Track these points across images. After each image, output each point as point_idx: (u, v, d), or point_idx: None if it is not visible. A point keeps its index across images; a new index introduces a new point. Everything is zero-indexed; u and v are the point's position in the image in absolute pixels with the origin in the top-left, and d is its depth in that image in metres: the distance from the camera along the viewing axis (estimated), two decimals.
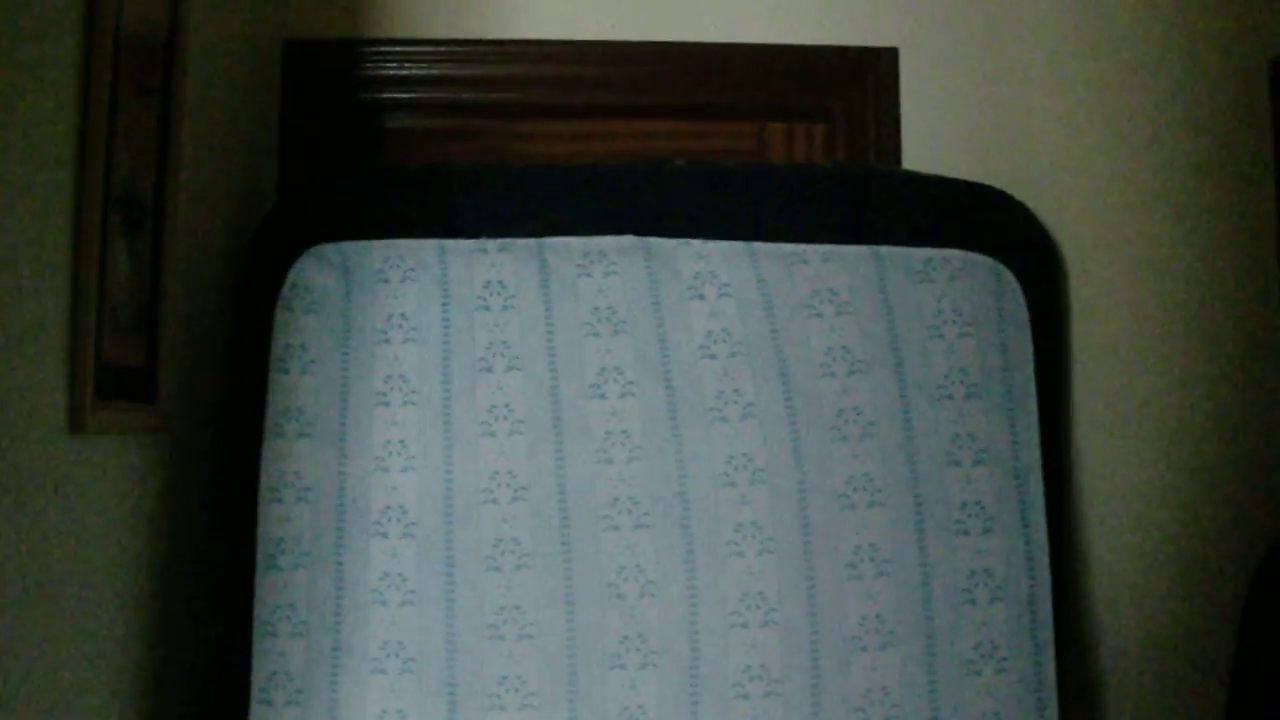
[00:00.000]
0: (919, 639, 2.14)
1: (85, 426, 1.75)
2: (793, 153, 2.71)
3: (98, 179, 1.78)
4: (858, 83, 2.64)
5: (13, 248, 1.56)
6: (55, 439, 1.69)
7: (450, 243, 2.29)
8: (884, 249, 2.30)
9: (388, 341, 2.24)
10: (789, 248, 2.29)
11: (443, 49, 2.63)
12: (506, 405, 2.22)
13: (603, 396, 2.23)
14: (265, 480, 2.18)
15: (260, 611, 2.14)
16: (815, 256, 2.29)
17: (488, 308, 2.26)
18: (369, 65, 2.62)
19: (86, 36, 1.76)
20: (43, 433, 1.65)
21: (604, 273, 2.28)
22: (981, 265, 2.28)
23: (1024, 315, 2.27)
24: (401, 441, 2.20)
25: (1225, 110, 1.89)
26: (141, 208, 1.96)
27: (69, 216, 1.73)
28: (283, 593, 2.14)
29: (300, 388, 2.20)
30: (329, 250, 2.27)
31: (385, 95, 2.64)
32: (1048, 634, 2.15)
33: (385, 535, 2.17)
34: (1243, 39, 1.89)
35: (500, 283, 2.27)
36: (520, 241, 2.30)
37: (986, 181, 2.43)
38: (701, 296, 2.26)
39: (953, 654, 2.14)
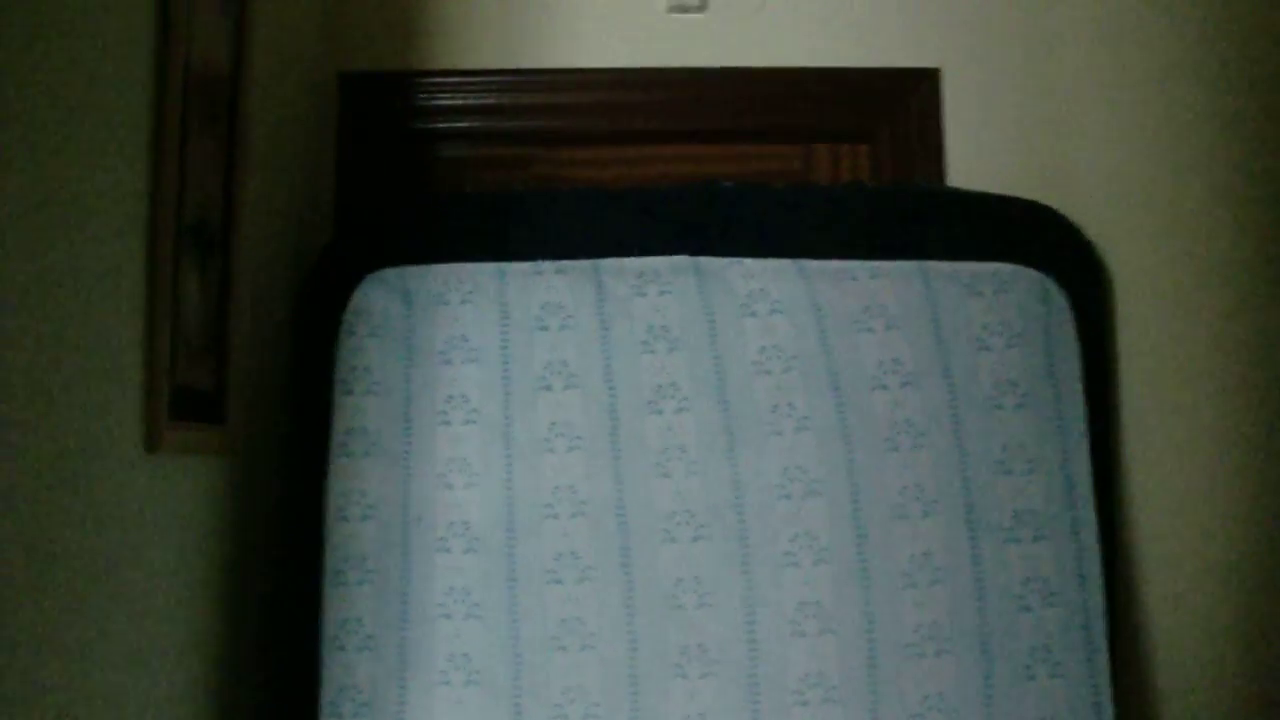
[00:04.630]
0: (974, 645, 2.16)
1: (160, 446, 1.79)
2: (838, 173, 2.74)
3: (171, 208, 1.84)
4: (901, 104, 2.68)
5: (93, 275, 1.61)
6: (131, 458, 1.74)
7: (508, 265, 2.34)
8: (932, 264, 2.33)
9: (449, 362, 2.29)
10: (838, 264, 2.33)
11: (493, 79, 2.68)
12: (566, 422, 2.26)
13: (659, 413, 2.27)
14: (331, 499, 2.22)
15: (328, 627, 2.18)
16: (864, 273, 2.33)
17: (546, 328, 2.31)
18: (422, 96, 2.68)
19: (159, 74, 1.82)
20: (120, 452, 1.70)
21: (658, 292, 2.32)
22: (1028, 279, 2.31)
23: (1070, 327, 2.30)
24: (464, 459, 2.25)
25: (1266, 123, 1.91)
26: (211, 235, 2.02)
27: (144, 245, 1.78)
28: (350, 608, 2.19)
29: (365, 409, 2.26)
30: (390, 275, 2.32)
31: (438, 125, 2.70)
32: (1102, 639, 2.17)
33: (449, 550, 2.22)
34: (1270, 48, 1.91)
35: (557, 304, 2.32)
36: (576, 263, 2.34)
37: (1030, 197, 2.46)
38: (754, 314, 2.30)
39: (1008, 660, 2.16)
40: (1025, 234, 2.38)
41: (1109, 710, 2.16)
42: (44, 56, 1.48)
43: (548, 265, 2.34)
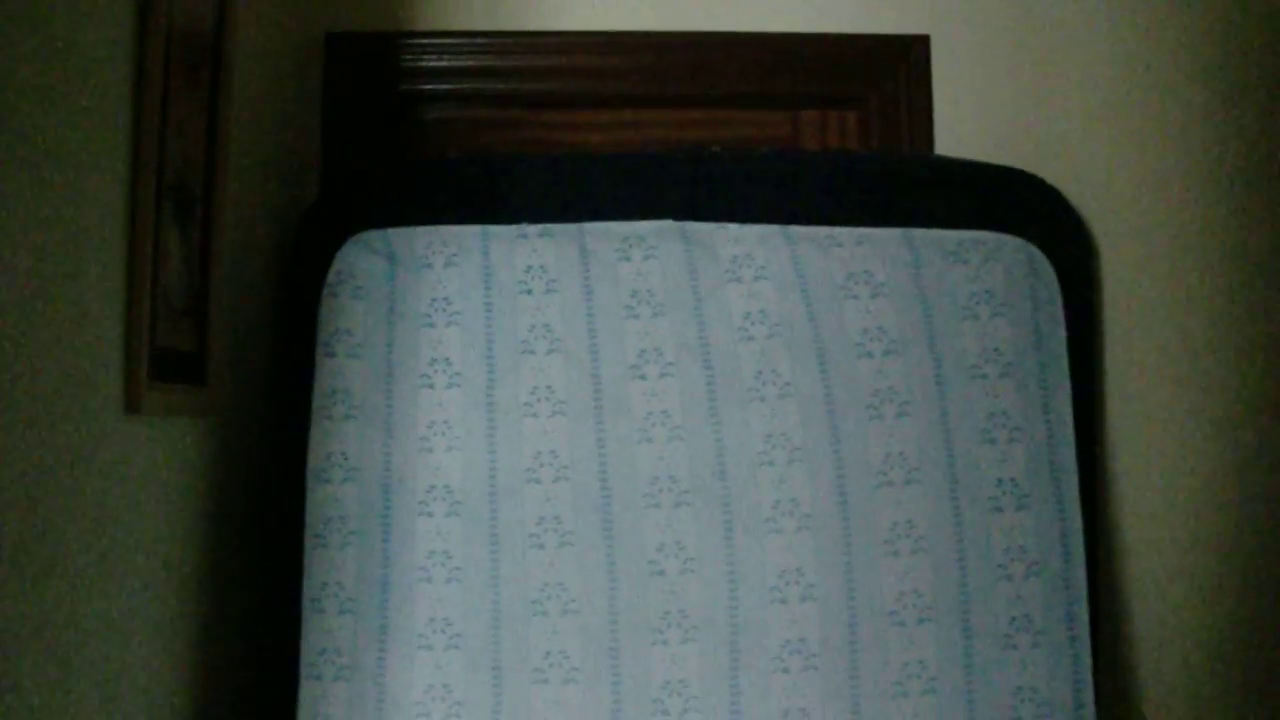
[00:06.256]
0: (955, 614, 2.17)
1: (140, 407, 1.79)
2: (826, 140, 2.73)
3: (151, 168, 1.82)
4: (890, 70, 2.67)
5: (71, 235, 1.61)
6: (112, 419, 1.74)
7: (492, 228, 2.33)
8: (918, 232, 2.33)
9: (432, 325, 2.28)
10: (824, 231, 2.33)
11: (481, 41, 2.66)
12: (548, 387, 2.26)
13: (643, 377, 2.26)
14: (313, 461, 2.22)
15: (309, 589, 2.18)
16: (850, 239, 2.32)
17: (529, 291, 2.30)
18: (408, 57, 2.66)
19: (140, 32, 1.80)
20: (100, 413, 1.70)
21: (643, 257, 2.31)
22: (1014, 247, 2.31)
23: (1056, 296, 2.29)
24: (446, 422, 2.24)
25: (1254, 92, 1.91)
26: (192, 196, 2.01)
27: (124, 204, 1.77)
28: (331, 571, 2.18)
29: (347, 371, 2.25)
30: (374, 237, 2.31)
31: (424, 87, 2.68)
32: (1083, 609, 2.18)
33: (430, 514, 2.21)
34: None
35: (541, 267, 2.31)
36: (561, 227, 2.34)
37: (1018, 166, 2.45)
38: (739, 279, 2.30)
39: (989, 628, 2.17)
40: (1013, 203, 2.38)
41: (1088, 680, 2.17)
42: (22, 9, 1.47)
43: (532, 229, 2.33)
